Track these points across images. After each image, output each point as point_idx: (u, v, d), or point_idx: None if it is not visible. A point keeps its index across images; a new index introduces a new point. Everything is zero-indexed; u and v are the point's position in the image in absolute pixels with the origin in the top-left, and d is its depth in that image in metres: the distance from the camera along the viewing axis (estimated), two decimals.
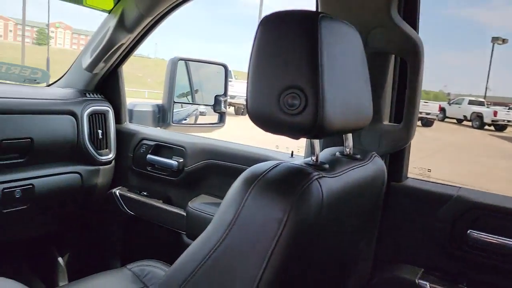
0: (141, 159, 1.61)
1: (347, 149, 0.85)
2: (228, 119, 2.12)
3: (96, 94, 1.66)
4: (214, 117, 2.11)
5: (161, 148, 1.59)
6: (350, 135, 0.85)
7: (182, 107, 2.21)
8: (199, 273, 0.65)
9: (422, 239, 1.06)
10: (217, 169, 1.44)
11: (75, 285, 1.15)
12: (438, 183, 1.12)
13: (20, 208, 1.40)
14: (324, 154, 0.85)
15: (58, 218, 1.65)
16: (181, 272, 0.68)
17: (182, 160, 1.50)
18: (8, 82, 1.61)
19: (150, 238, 1.64)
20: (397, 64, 1.09)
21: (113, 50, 1.54)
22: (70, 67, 1.71)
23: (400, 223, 1.09)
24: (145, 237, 1.66)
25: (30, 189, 1.41)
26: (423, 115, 14.44)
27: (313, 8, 1.11)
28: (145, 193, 1.62)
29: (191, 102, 2.27)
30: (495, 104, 20.36)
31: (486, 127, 16.34)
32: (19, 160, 1.37)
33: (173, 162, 1.50)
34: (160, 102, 1.94)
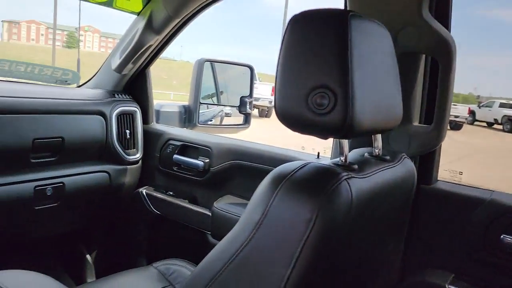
0: (167, 159, 1.63)
1: (376, 150, 0.83)
2: (252, 121, 2.12)
3: (125, 95, 1.69)
4: (239, 119, 2.11)
5: (187, 148, 1.60)
6: (379, 136, 0.83)
7: (207, 108, 2.22)
8: (225, 272, 0.65)
9: (453, 244, 1.04)
10: (243, 170, 1.44)
11: (102, 282, 1.17)
12: (470, 186, 1.09)
13: (51, 205, 1.43)
14: (353, 154, 0.84)
15: (86, 216, 1.68)
16: (207, 271, 0.68)
17: (208, 160, 1.51)
18: (40, 83, 1.65)
19: (176, 237, 1.66)
20: (427, 63, 1.07)
21: (141, 51, 1.56)
22: (100, 68, 1.75)
23: (430, 227, 1.06)
24: (171, 236, 1.68)
25: (61, 187, 1.44)
26: (452, 118, 14.06)
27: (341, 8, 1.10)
28: (171, 193, 1.64)
29: (216, 103, 2.28)
30: None
31: None
32: (50, 159, 1.41)
33: (199, 162, 1.51)
34: (186, 103, 1.96)
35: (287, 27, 0.66)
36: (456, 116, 14.34)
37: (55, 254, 1.79)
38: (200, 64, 1.91)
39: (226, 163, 1.48)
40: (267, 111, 14.26)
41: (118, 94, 1.66)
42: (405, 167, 0.85)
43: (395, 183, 0.81)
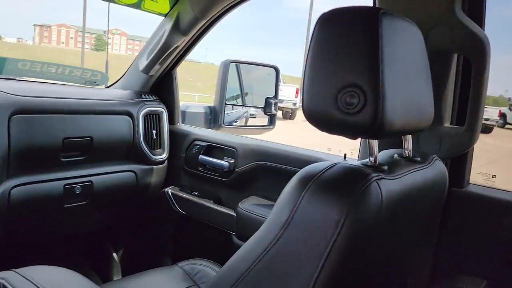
0: (193, 159, 1.64)
1: (406, 151, 0.81)
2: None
3: (151, 96, 1.71)
4: (264, 120, 2.11)
5: (212, 148, 1.61)
6: (409, 137, 0.82)
7: (233, 109, 2.23)
8: (252, 272, 0.65)
9: (485, 249, 1.00)
10: (268, 171, 1.44)
11: (128, 280, 1.19)
12: (503, 190, 1.05)
13: (79, 203, 1.46)
14: (382, 155, 0.82)
15: (113, 215, 1.71)
16: (234, 270, 0.68)
17: (233, 161, 1.51)
18: (70, 84, 1.69)
19: (201, 237, 1.67)
20: (459, 63, 1.04)
21: (168, 52, 1.58)
22: (128, 69, 1.78)
23: (462, 231, 1.03)
24: (196, 236, 1.69)
25: (89, 186, 1.47)
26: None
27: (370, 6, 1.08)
28: (196, 193, 1.65)
29: (241, 104, 2.29)
30: None
31: None
32: (79, 158, 1.44)
33: (224, 162, 1.52)
34: (211, 104, 1.97)
35: (315, 25, 0.65)
36: (487, 119, 13.96)
37: (83, 252, 1.83)
38: (226, 65, 1.92)
39: (251, 163, 1.47)
40: (291, 113, 14.23)
41: (145, 95, 1.68)
42: (436, 169, 0.83)
43: (426, 185, 0.79)
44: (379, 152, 0.85)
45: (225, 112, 1.97)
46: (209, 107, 1.95)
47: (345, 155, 1.31)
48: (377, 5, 1.04)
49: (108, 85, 1.83)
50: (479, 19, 0.99)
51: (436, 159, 0.86)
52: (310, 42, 0.65)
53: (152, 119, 1.64)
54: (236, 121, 2.26)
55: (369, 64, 0.60)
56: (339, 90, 0.61)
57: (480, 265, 1.01)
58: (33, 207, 1.35)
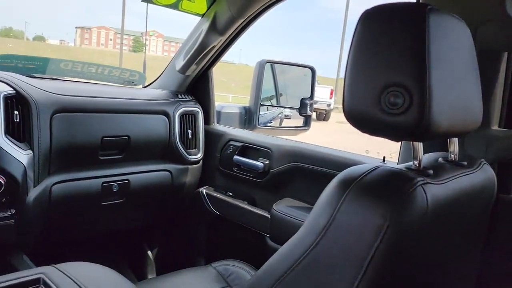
0: (228, 160, 1.63)
1: (452, 155, 0.77)
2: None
3: (187, 96, 1.72)
4: (299, 121, 2.08)
5: (247, 149, 1.60)
6: (456, 140, 0.78)
7: (267, 110, 2.21)
8: (290, 276, 0.63)
9: None
10: (303, 172, 1.41)
11: (162, 279, 1.19)
12: None
13: (116, 201, 1.49)
14: (426, 159, 0.78)
15: (149, 213, 1.73)
16: (270, 274, 0.66)
17: (268, 162, 1.50)
18: (109, 83, 1.72)
19: (234, 238, 1.66)
20: (510, 62, 0.98)
21: (205, 52, 1.59)
22: (164, 69, 1.80)
23: (510, 240, 0.97)
24: (229, 237, 1.68)
25: (126, 184, 1.49)
26: None
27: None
28: (230, 194, 1.64)
29: (276, 104, 2.27)
30: None
31: None
32: (117, 156, 1.46)
33: (258, 163, 1.50)
34: (245, 105, 1.96)
35: (358, 22, 0.63)
36: None
37: (119, 249, 1.86)
38: (261, 65, 1.90)
39: (286, 165, 1.45)
40: (325, 114, 14.09)
41: (181, 95, 1.69)
42: (485, 174, 0.79)
43: (473, 191, 0.74)
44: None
45: (260, 113, 1.95)
46: (244, 107, 1.95)
47: (384, 158, 1.27)
48: (421, 0, 1.00)
49: (146, 85, 1.86)
50: None
51: (484, 163, 0.81)
52: (352, 40, 0.63)
53: (188, 119, 1.65)
54: (270, 122, 2.24)
55: (415, 63, 0.57)
56: (382, 90, 0.59)
57: None
58: (72, 204, 1.38)
